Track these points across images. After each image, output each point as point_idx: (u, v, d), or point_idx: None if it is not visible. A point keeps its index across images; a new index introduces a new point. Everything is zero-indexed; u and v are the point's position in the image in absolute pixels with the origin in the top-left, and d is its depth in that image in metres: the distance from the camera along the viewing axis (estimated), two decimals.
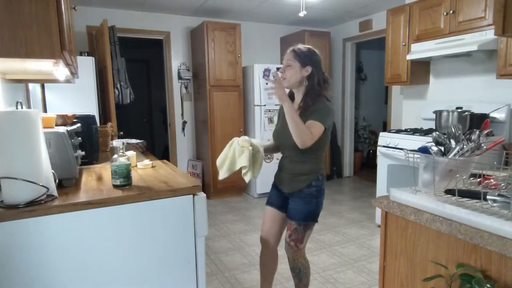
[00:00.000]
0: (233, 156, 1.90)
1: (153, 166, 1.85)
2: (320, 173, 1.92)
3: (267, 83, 4.71)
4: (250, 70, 4.82)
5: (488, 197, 1.08)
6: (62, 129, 1.43)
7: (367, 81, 6.98)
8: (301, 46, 1.89)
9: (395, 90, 4.71)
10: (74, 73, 2.07)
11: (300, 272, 2.02)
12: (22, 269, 1.17)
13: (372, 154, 6.49)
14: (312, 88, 1.84)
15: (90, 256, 1.27)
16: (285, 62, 1.88)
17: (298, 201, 1.90)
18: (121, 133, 3.90)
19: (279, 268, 2.81)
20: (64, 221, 1.22)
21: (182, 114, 5.18)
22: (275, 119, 4.79)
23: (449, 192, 1.21)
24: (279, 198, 2.03)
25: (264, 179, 4.86)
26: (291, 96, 1.96)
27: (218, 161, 1.96)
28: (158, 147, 7.23)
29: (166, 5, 4.49)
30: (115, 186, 1.39)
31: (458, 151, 1.26)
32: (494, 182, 1.20)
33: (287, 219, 1.98)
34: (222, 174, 1.93)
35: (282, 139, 1.94)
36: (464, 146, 1.25)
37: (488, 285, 0.97)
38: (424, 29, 3.31)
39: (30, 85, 2.80)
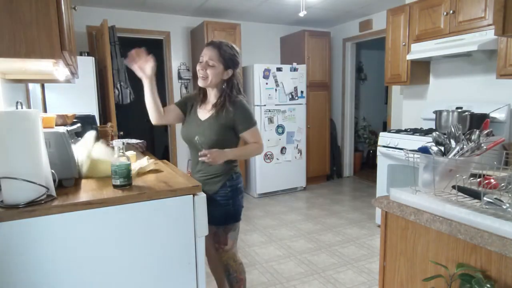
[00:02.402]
0: None
1: (155, 171, 1.77)
2: (234, 172, 1.87)
3: (267, 83, 4.72)
4: (250, 70, 4.82)
5: (485, 198, 1.09)
6: (62, 129, 1.43)
7: (367, 81, 6.98)
8: (226, 46, 1.80)
9: (395, 90, 4.71)
10: (74, 73, 2.07)
11: (230, 276, 1.92)
12: (22, 269, 1.17)
13: (372, 154, 6.49)
14: (231, 92, 1.82)
15: (90, 256, 1.27)
16: (206, 58, 1.77)
17: (214, 204, 1.80)
18: (121, 133, 3.91)
19: (278, 268, 2.82)
20: (64, 221, 1.21)
21: None
22: (275, 119, 4.83)
23: (459, 189, 1.20)
24: None
25: (264, 179, 4.88)
26: (204, 93, 1.90)
27: None
28: (158, 147, 7.23)
29: (166, 5, 4.48)
30: (115, 186, 1.39)
31: (458, 151, 1.26)
32: (494, 182, 1.20)
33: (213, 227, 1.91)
34: None
35: (192, 139, 1.83)
36: (464, 146, 1.25)
37: (488, 285, 0.97)
38: (424, 29, 3.31)
39: (30, 85, 2.81)
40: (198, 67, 1.81)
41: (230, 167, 1.85)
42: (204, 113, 1.87)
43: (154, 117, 1.92)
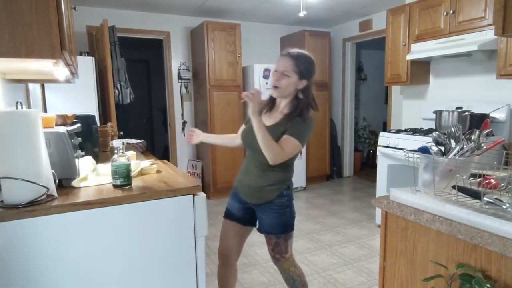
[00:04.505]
0: None
1: (157, 171, 1.75)
2: (290, 182, 1.85)
3: (267, 83, 4.72)
4: (250, 70, 4.82)
5: (485, 198, 1.09)
6: (62, 129, 1.43)
7: (367, 81, 6.98)
8: (302, 55, 1.76)
9: (395, 90, 4.71)
10: (74, 73, 2.07)
11: (295, 282, 1.90)
12: (22, 269, 1.17)
13: (372, 154, 6.49)
14: (307, 103, 1.75)
15: (90, 256, 1.27)
16: (282, 67, 1.72)
17: (270, 213, 1.78)
18: (121, 133, 3.91)
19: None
20: (64, 221, 1.22)
21: (182, 114, 5.18)
22: None
23: (459, 189, 1.20)
24: (241, 210, 1.88)
25: None
26: (274, 101, 1.86)
27: None
28: (158, 147, 7.23)
29: (166, 5, 4.48)
30: (115, 186, 1.39)
31: (458, 151, 1.26)
32: (494, 182, 1.20)
33: (249, 230, 1.92)
34: None
35: (252, 141, 1.72)
36: (464, 146, 1.25)
37: (488, 285, 0.97)
38: (424, 29, 3.31)
39: (30, 85, 2.80)
40: (272, 77, 1.77)
41: (288, 177, 1.82)
42: (267, 119, 1.79)
43: (231, 147, 2.10)
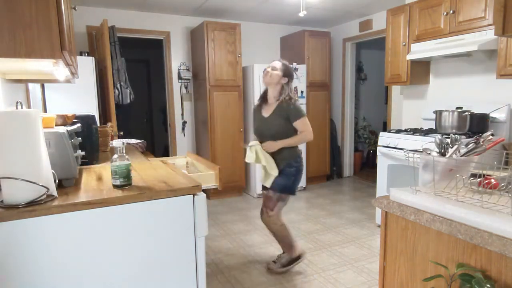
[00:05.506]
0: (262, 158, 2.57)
1: (155, 170, 1.79)
2: (298, 156, 2.59)
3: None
4: (250, 70, 4.82)
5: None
6: (62, 129, 1.43)
7: (367, 81, 6.98)
8: (286, 62, 2.64)
9: (395, 90, 4.71)
10: (74, 73, 2.07)
11: (276, 235, 2.69)
12: (22, 269, 1.17)
13: (372, 154, 6.49)
14: (285, 92, 2.58)
15: (90, 256, 1.27)
16: (273, 65, 2.61)
17: (280, 176, 2.53)
18: (121, 133, 3.91)
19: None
20: (64, 221, 1.22)
21: (182, 114, 5.18)
22: None
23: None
24: None
25: None
26: (265, 96, 2.69)
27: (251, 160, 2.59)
28: (158, 147, 7.23)
29: (166, 5, 4.49)
30: (115, 186, 1.39)
31: (458, 151, 1.26)
32: (494, 182, 1.20)
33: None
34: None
35: (263, 134, 2.60)
36: (463, 146, 1.25)
37: (488, 285, 0.97)
38: (424, 29, 3.31)
39: (30, 85, 2.81)
40: (266, 69, 2.62)
41: (295, 151, 2.58)
42: (266, 111, 2.63)
43: None
